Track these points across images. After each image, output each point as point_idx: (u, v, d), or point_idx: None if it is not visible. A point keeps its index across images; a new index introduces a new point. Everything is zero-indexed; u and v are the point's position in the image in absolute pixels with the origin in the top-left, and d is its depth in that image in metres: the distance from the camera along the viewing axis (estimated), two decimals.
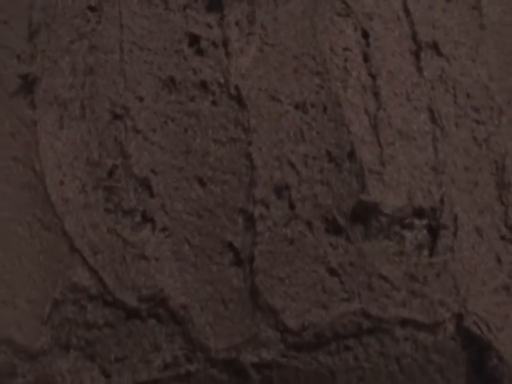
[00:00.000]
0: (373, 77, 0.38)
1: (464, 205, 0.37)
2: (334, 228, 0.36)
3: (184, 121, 0.37)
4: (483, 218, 0.37)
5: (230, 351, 0.35)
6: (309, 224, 0.36)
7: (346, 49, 0.38)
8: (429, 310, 0.35)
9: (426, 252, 0.36)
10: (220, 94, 0.38)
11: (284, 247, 0.35)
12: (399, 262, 0.36)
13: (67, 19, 0.40)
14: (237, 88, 0.37)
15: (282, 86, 0.38)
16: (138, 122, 0.37)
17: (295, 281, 0.35)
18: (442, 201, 0.36)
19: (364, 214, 0.35)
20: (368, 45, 0.38)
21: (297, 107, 0.37)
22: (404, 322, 0.35)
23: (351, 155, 0.36)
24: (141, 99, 0.38)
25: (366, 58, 0.38)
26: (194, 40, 0.39)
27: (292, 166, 0.36)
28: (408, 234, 0.36)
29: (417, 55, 0.39)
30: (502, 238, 0.37)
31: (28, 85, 0.38)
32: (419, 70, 0.38)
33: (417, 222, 0.36)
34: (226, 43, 0.38)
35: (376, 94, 0.37)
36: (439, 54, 0.39)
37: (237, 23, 0.39)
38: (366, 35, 0.39)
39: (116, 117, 0.38)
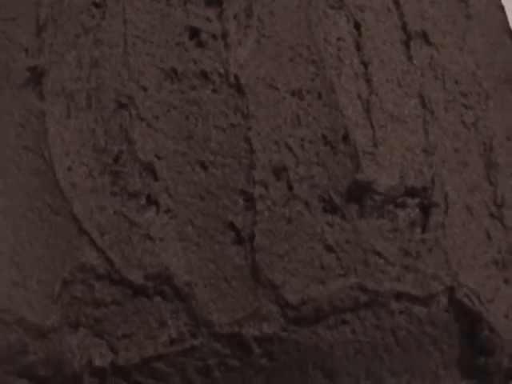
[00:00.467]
0: (365, 65, 0.40)
1: (454, 184, 0.38)
2: (330, 207, 0.37)
3: (186, 108, 0.39)
4: (472, 197, 0.38)
5: (232, 326, 0.36)
6: (306, 203, 0.37)
7: (339, 39, 0.40)
8: (422, 283, 0.37)
9: (418, 229, 0.38)
10: (220, 83, 0.39)
11: (283, 226, 0.37)
12: (393, 239, 0.37)
13: (73, 15, 0.41)
14: (236, 77, 0.39)
15: (279, 75, 0.39)
16: (142, 111, 0.39)
17: (294, 257, 0.37)
18: (432, 180, 0.38)
19: (359, 193, 0.37)
20: (360, 35, 0.40)
21: (293, 94, 0.39)
22: (399, 296, 0.37)
23: (345, 138, 0.38)
24: (144, 89, 0.40)
25: (358, 48, 0.40)
26: (194, 33, 0.41)
27: (289, 149, 0.38)
28: (401, 212, 0.38)
29: (407, 44, 0.41)
30: (491, 215, 0.39)
31: (36, 77, 0.40)
32: (409, 58, 0.40)
33: (409, 200, 0.38)
34: (225, 35, 0.40)
35: (368, 81, 0.39)
36: (428, 43, 0.41)
37: (235, 17, 0.41)
38: (357, 26, 0.41)
39: (121, 106, 0.39)
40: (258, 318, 0.36)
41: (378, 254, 0.37)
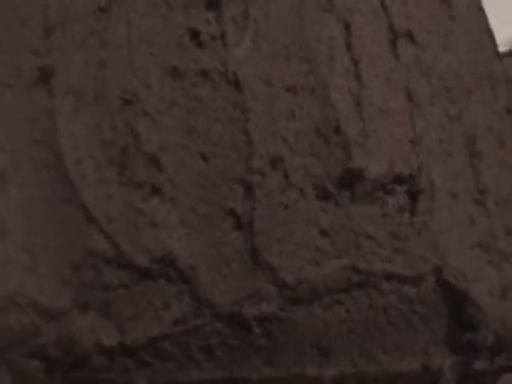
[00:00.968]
0: (355, 62, 0.42)
1: (440, 172, 0.41)
2: (324, 194, 0.40)
3: (187, 104, 0.42)
4: (457, 184, 0.41)
5: (233, 306, 0.39)
6: (301, 191, 0.40)
7: (330, 38, 0.43)
8: (411, 264, 0.39)
9: (406, 214, 0.40)
10: (219, 80, 0.42)
11: (280, 212, 0.39)
12: (383, 223, 0.40)
13: (80, 19, 0.44)
14: (234, 74, 0.42)
15: (275, 72, 0.42)
16: (147, 107, 0.41)
17: (290, 241, 0.39)
18: (419, 168, 0.40)
19: (350, 180, 0.40)
20: (350, 35, 0.43)
21: (288, 90, 0.42)
22: (389, 276, 0.39)
23: (337, 130, 0.40)
24: (148, 86, 0.42)
25: (348, 46, 0.43)
26: (194, 34, 0.43)
27: (285, 140, 0.40)
28: (390, 199, 0.40)
29: (394, 43, 0.43)
30: (475, 201, 0.41)
31: (46, 76, 0.42)
32: (396, 56, 0.43)
33: (397, 187, 0.40)
34: (223, 36, 0.43)
35: (358, 77, 0.42)
36: (414, 42, 0.43)
37: (233, 19, 0.43)
38: (347, 27, 0.43)
39: (126, 102, 0.42)
40: (257, 299, 0.39)
41: (370, 237, 0.39)
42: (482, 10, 0.47)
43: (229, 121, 0.41)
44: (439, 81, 0.43)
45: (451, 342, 0.40)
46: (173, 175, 0.40)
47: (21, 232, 0.40)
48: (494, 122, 0.43)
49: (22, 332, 0.39)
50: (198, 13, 0.44)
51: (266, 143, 0.40)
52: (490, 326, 0.39)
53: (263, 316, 0.39)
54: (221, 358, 0.39)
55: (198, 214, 0.40)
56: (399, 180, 0.40)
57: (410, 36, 0.43)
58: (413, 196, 0.40)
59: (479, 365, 0.40)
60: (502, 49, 0.66)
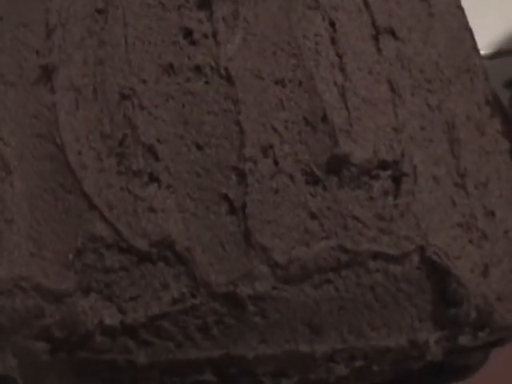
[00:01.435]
0: (340, 56, 0.45)
1: (421, 158, 0.43)
2: (312, 179, 0.42)
3: (182, 98, 0.44)
4: (438, 168, 0.43)
5: (228, 286, 0.41)
6: (291, 176, 0.42)
7: (316, 35, 0.45)
8: (396, 243, 0.41)
9: (391, 197, 0.42)
10: (212, 75, 0.44)
11: (271, 196, 0.42)
12: (369, 206, 0.42)
13: (78, 20, 0.46)
14: (226, 69, 0.44)
15: (264, 67, 0.44)
16: (143, 101, 0.44)
17: (282, 223, 0.41)
18: (402, 154, 0.43)
19: (337, 166, 0.42)
20: (335, 31, 0.45)
21: (277, 83, 0.44)
22: (375, 255, 0.41)
23: (324, 119, 0.43)
24: (145, 82, 0.44)
25: (333, 42, 0.45)
26: (188, 33, 0.45)
27: (275, 129, 0.43)
28: (375, 183, 0.42)
29: (376, 39, 0.46)
30: (455, 184, 0.43)
31: (47, 74, 0.45)
32: (379, 50, 0.45)
33: (382, 172, 0.42)
34: (215, 34, 0.45)
35: (343, 70, 0.44)
36: (395, 37, 0.46)
37: (223, 18, 0.46)
38: (332, 24, 0.46)
39: (124, 97, 0.44)
40: (251, 278, 0.41)
41: (356, 218, 0.41)
42: (460, 8, 0.49)
43: (221, 112, 0.43)
44: (420, 73, 0.45)
45: (436, 317, 0.42)
46: (169, 164, 0.42)
47: (26, 220, 0.43)
48: (473, 111, 0.46)
49: (27, 314, 0.41)
50: (190, 13, 0.46)
51: (257, 132, 0.42)
52: (472, 301, 0.41)
53: (257, 295, 0.41)
54: (217, 337, 0.41)
55: (194, 200, 0.42)
56: (383, 165, 0.42)
57: (392, 32, 0.46)
58: (396, 180, 0.42)
59: (463, 340, 0.42)
60: (483, 52, 0.69)
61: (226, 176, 0.42)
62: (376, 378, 0.46)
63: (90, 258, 0.41)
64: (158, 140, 0.43)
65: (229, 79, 0.44)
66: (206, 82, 0.44)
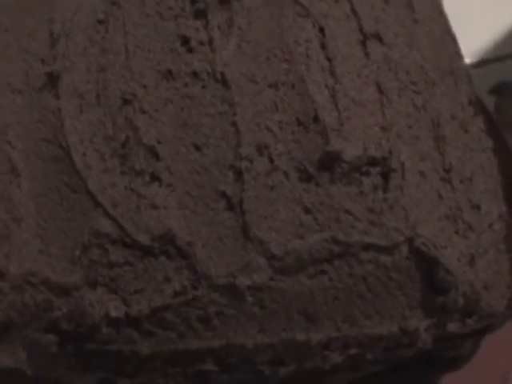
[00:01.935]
0: (329, 60, 0.47)
1: (409, 154, 0.45)
2: (306, 176, 0.44)
3: (181, 102, 0.46)
4: (425, 164, 0.46)
5: (228, 277, 0.43)
6: (285, 174, 0.44)
7: (306, 40, 0.47)
8: (386, 235, 0.43)
9: (380, 191, 0.44)
10: (208, 80, 0.46)
11: (267, 192, 0.44)
12: (360, 200, 0.44)
13: (81, 30, 0.48)
14: (222, 74, 0.46)
15: (258, 71, 0.47)
16: (144, 105, 0.46)
17: (277, 218, 0.43)
18: (390, 151, 0.45)
19: (329, 163, 0.44)
20: (324, 37, 0.47)
21: (270, 86, 0.46)
22: (367, 247, 0.43)
23: (316, 119, 0.45)
24: (145, 87, 0.46)
25: (323, 47, 0.47)
26: (185, 41, 0.48)
27: (269, 130, 0.45)
28: (365, 179, 0.44)
29: (364, 44, 0.48)
30: (442, 179, 0.46)
31: (52, 81, 0.47)
32: (366, 54, 0.48)
33: (371, 169, 0.45)
34: (210, 42, 0.47)
35: (332, 73, 0.46)
36: (382, 42, 0.48)
37: (218, 26, 0.48)
38: (322, 30, 0.48)
39: (126, 102, 0.46)
40: (249, 270, 0.43)
41: (348, 212, 0.43)
42: (443, 14, 0.52)
43: (218, 115, 0.45)
44: (405, 75, 0.47)
45: (425, 305, 0.44)
46: (170, 164, 0.45)
47: (33, 219, 0.45)
48: (457, 111, 0.48)
49: (36, 308, 0.43)
50: (187, 21, 0.49)
51: (253, 133, 0.45)
52: (459, 288, 0.43)
53: (255, 286, 0.43)
54: (218, 327, 0.43)
55: (193, 197, 0.44)
56: (373, 162, 0.44)
57: (378, 37, 0.48)
58: (385, 176, 0.44)
59: (452, 327, 0.44)
60: (468, 60, 0.72)
61: (223, 174, 0.44)
62: (369, 368, 0.48)
63: (96, 254, 0.43)
64: (159, 141, 0.45)
65: (224, 83, 0.46)
66: (203, 87, 0.46)
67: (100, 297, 0.43)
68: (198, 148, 0.45)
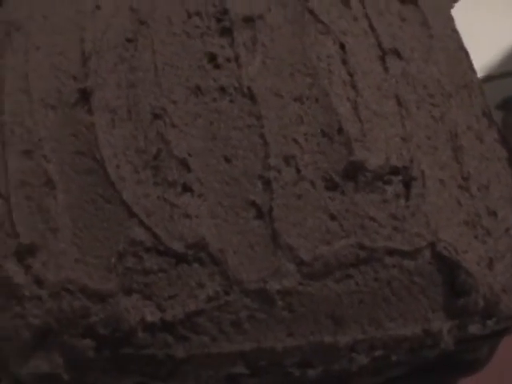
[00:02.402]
0: (351, 75, 0.49)
1: (428, 164, 0.47)
2: (331, 185, 0.46)
3: (209, 116, 0.48)
4: (444, 173, 0.48)
5: (258, 282, 0.45)
6: (312, 183, 0.46)
7: (328, 56, 0.50)
8: (409, 240, 0.45)
9: (402, 199, 0.46)
10: (235, 95, 0.48)
11: (294, 201, 0.46)
12: (383, 207, 0.46)
13: (111, 48, 0.50)
14: (249, 88, 0.48)
15: (283, 86, 0.49)
16: (174, 119, 0.48)
17: (305, 225, 0.45)
18: (411, 161, 0.47)
19: (353, 172, 0.46)
20: (345, 53, 0.50)
21: (295, 100, 0.48)
22: (391, 252, 0.45)
23: (340, 131, 0.47)
24: (175, 102, 0.48)
25: (344, 62, 0.50)
26: (212, 57, 0.50)
27: (295, 141, 0.47)
28: (388, 187, 0.47)
29: (383, 59, 0.50)
30: (460, 186, 0.48)
31: (85, 97, 0.49)
32: (385, 69, 0.50)
33: (393, 177, 0.47)
34: (236, 58, 0.50)
35: (354, 87, 0.49)
36: (400, 57, 0.51)
37: (243, 44, 0.50)
38: (342, 46, 0.50)
39: (156, 116, 0.48)
40: (279, 275, 0.45)
41: (372, 219, 0.45)
42: (456, 31, 0.54)
43: (246, 127, 0.47)
44: (423, 88, 0.50)
45: (447, 308, 0.46)
46: (200, 175, 0.47)
47: (69, 229, 0.46)
48: (472, 122, 0.50)
49: (73, 315, 0.45)
50: (213, 40, 0.51)
51: (280, 144, 0.47)
52: (480, 291, 0.45)
53: (285, 290, 0.44)
54: (249, 331, 0.45)
55: (224, 207, 0.46)
56: (394, 171, 0.46)
57: (397, 52, 0.50)
58: (407, 184, 0.46)
59: (473, 329, 0.46)
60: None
61: (252, 184, 0.46)
62: (391, 372, 0.50)
63: (131, 261, 0.45)
64: (189, 154, 0.47)
65: (251, 97, 0.48)
66: (231, 101, 0.48)
67: (135, 303, 0.45)
68: (227, 160, 0.47)
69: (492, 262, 0.46)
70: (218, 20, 0.51)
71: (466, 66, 0.53)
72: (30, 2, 0.55)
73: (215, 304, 0.44)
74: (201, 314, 0.44)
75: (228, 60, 0.50)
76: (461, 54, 0.53)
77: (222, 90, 0.49)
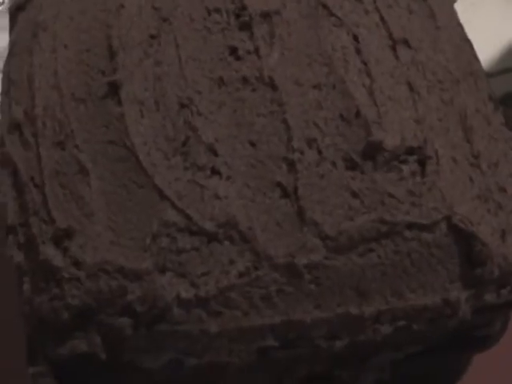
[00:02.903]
0: (365, 63, 0.52)
1: (441, 143, 0.50)
2: (351, 165, 0.49)
3: (233, 104, 0.51)
4: (456, 152, 0.51)
5: (286, 257, 0.47)
6: (333, 163, 0.49)
7: (343, 47, 0.53)
8: (426, 214, 0.48)
9: (418, 176, 0.49)
10: (257, 84, 0.51)
11: (318, 180, 0.48)
12: (401, 184, 0.49)
13: (136, 44, 0.53)
14: (270, 78, 0.51)
15: (301, 75, 0.52)
16: (200, 108, 0.50)
17: (328, 202, 0.48)
18: (425, 141, 0.50)
19: (372, 152, 0.49)
20: (358, 43, 0.53)
21: (314, 87, 0.51)
22: (410, 225, 0.48)
23: (357, 114, 0.50)
24: (200, 93, 0.51)
25: (358, 52, 0.53)
26: (232, 51, 0.53)
27: (316, 125, 0.50)
28: (404, 167, 0.49)
29: (394, 49, 0.53)
30: (471, 164, 0.51)
31: (114, 90, 0.51)
32: (397, 57, 0.53)
33: (409, 157, 0.50)
34: (256, 51, 0.52)
35: (369, 74, 0.52)
36: (409, 47, 0.54)
37: (262, 37, 0.53)
38: (356, 38, 0.53)
39: (183, 106, 0.51)
40: (305, 250, 0.47)
41: (391, 195, 0.48)
42: (460, 24, 0.58)
43: (269, 114, 0.50)
44: (432, 75, 0.53)
45: (464, 278, 0.48)
46: (227, 159, 0.49)
47: (104, 213, 0.49)
48: (480, 105, 0.53)
49: (111, 294, 0.47)
50: (233, 34, 0.54)
51: (302, 128, 0.50)
52: (494, 260, 0.48)
53: (312, 264, 0.47)
54: (278, 304, 0.47)
55: (252, 188, 0.48)
56: (410, 151, 0.49)
57: (406, 42, 0.53)
58: (422, 163, 0.49)
59: (488, 297, 0.49)
60: None
61: (277, 166, 0.49)
62: (412, 346, 0.52)
63: (165, 242, 0.47)
64: (216, 140, 0.50)
65: (273, 86, 0.51)
66: (253, 90, 0.51)
67: (170, 280, 0.47)
68: (252, 144, 0.50)
69: (504, 234, 0.49)
70: (237, 16, 0.54)
71: (470, 55, 0.56)
72: (54, 4, 0.58)
73: (246, 279, 0.47)
74: (233, 289, 0.47)
75: (248, 52, 0.53)
76: (465, 44, 0.57)
77: (244, 80, 0.52)
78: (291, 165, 0.49)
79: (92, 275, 0.47)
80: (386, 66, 0.52)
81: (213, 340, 0.48)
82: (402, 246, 0.48)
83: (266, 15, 0.54)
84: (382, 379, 0.55)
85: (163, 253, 0.47)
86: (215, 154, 0.49)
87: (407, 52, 0.53)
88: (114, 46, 0.53)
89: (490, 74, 0.79)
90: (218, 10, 0.55)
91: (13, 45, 0.58)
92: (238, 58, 0.53)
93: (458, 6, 0.65)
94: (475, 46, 0.61)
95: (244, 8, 0.54)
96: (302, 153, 0.49)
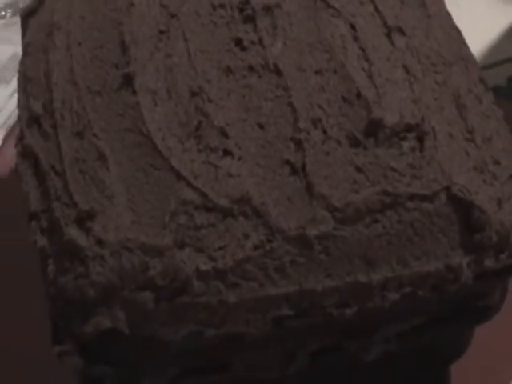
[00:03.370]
0: (363, 49, 0.56)
1: (437, 121, 0.54)
2: (355, 142, 0.52)
3: (241, 91, 0.54)
4: (451, 128, 0.54)
5: (298, 229, 0.50)
6: (338, 141, 0.52)
7: (341, 35, 0.56)
8: (426, 186, 0.51)
9: (417, 151, 0.53)
10: (263, 71, 0.55)
11: (324, 157, 0.52)
12: (402, 159, 0.52)
13: (147, 39, 0.57)
14: (275, 65, 0.54)
15: (304, 62, 0.55)
16: (211, 95, 0.54)
17: (335, 177, 0.51)
18: (422, 119, 0.53)
19: (373, 130, 0.52)
20: (355, 31, 0.57)
21: (316, 73, 0.55)
22: (412, 196, 0.51)
23: (358, 96, 0.53)
24: (209, 82, 0.54)
25: (355, 39, 0.56)
26: (238, 42, 0.56)
27: (320, 107, 0.53)
28: (404, 143, 0.53)
29: (389, 36, 0.57)
30: (466, 139, 0.54)
31: (128, 81, 0.54)
32: (392, 43, 0.57)
33: (408, 134, 0.53)
34: (260, 41, 0.56)
35: (367, 59, 0.55)
36: (403, 34, 0.57)
37: (265, 29, 0.57)
38: (353, 26, 0.57)
39: (194, 94, 0.54)
40: (315, 222, 0.50)
41: (393, 169, 0.51)
42: (448, 13, 0.62)
43: (275, 98, 0.54)
44: (426, 59, 0.56)
45: (465, 244, 0.51)
46: (239, 141, 0.52)
47: (123, 195, 0.51)
48: (472, 86, 0.57)
49: (133, 270, 0.50)
50: (237, 26, 0.57)
51: (307, 110, 0.53)
52: (492, 226, 0.51)
53: (321, 235, 0.50)
54: (291, 275, 0.50)
55: (262, 167, 0.52)
56: (409, 128, 0.53)
57: (400, 30, 0.57)
58: (420, 139, 0.52)
59: (488, 263, 0.52)
60: None
61: (286, 145, 0.52)
62: (413, 319, 0.55)
63: (183, 219, 0.50)
64: (227, 123, 0.53)
65: (278, 72, 0.54)
66: (259, 77, 0.55)
67: (189, 255, 0.50)
68: (261, 126, 0.53)
69: (500, 202, 0.52)
70: (241, 10, 0.58)
71: (460, 42, 0.60)
72: (65, 7, 0.61)
73: (260, 252, 0.50)
74: (248, 261, 0.50)
75: (253, 43, 0.56)
76: (454, 31, 0.60)
77: (250, 68, 0.55)
78: (298, 144, 0.52)
79: (115, 253, 0.50)
80: (382, 52, 0.56)
81: (231, 310, 0.50)
82: (405, 216, 0.51)
83: (267, 8, 0.58)
84: (388, 351, 0.58)
85: (181, 229, 0.50)
86: (227, 136, 0.52)
87: (402, 38, 0.57)
88: (126, 41, 0.56)
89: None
90: (222, 6, 0.58)
91: (27, 46, 0.62)
92: (244, 49, 0.56)
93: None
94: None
95: (247, 2, 0.58)
96: (308, 133, 0.52)
